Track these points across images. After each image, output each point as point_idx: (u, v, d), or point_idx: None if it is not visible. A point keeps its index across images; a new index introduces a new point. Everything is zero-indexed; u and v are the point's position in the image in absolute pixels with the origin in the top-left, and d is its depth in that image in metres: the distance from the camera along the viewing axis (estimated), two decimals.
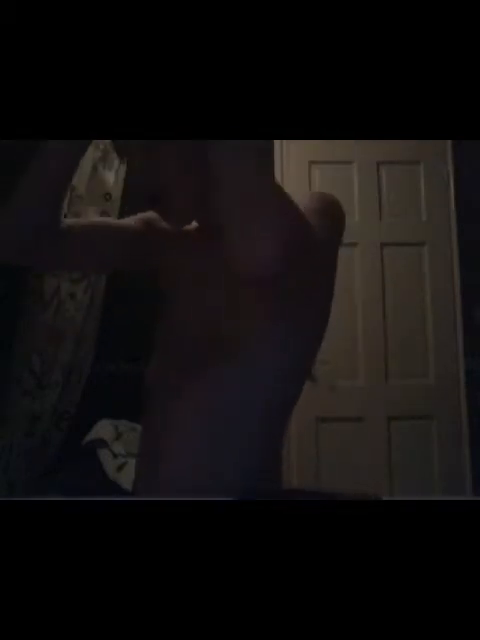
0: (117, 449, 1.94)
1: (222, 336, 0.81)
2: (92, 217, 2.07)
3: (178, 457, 0.81)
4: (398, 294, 2.50)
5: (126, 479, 1.82)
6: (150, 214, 1.00)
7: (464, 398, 2.44)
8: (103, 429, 2.02)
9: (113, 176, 2.16)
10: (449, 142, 2.55)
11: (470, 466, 2.40)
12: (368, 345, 2.46)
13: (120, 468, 1.87)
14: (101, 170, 2.13)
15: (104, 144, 2.13)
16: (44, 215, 0.87)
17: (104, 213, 2.14)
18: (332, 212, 0.87)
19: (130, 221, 1.01)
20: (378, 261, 2.51)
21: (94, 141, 2.10)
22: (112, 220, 1.01)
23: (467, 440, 2.42)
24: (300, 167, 2.55)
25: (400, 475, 2.38)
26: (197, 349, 0.83)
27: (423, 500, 0.48)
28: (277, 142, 2.54)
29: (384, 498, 0.53)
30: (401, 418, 2.43)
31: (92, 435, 2.00)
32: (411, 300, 2.50)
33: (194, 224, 0.96)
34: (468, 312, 2.47)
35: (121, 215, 2.19)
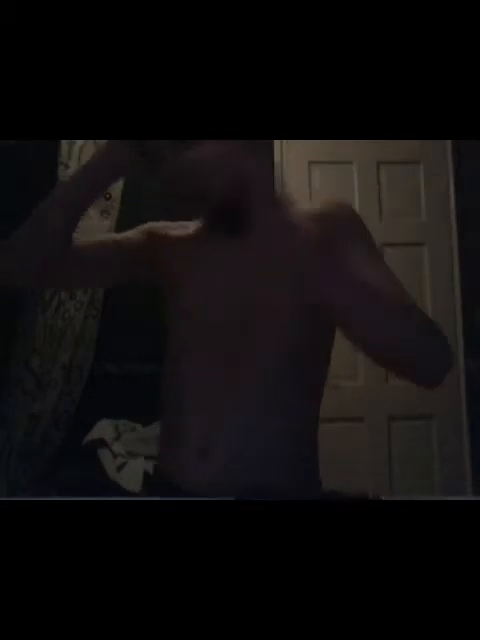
0: (117, 449, 1.94)
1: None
2: (92, 215, 2.07)
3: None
4: None
5: (126, 479, 1.82)
6: (151, 224, 1.02)
7: (464, 398, 2.44)
8: (103, 429, 2.02)
9: None
10: (449, 142, 2.55)
11: (470, 466, 2.39)
12: None
13: (120, 468, 1.87)
14: None
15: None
16: (60, 239, 0.88)
17: (104, 212, 2.14)
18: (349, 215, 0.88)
19: (136, 234, 1.02)
20: None
21: (94, 141, 2.10)
22: (119, 236, 1.03)
23: (467, 440, 2.42)
24: (300, 167, 2.55)
25: (400, 475, 2.38)
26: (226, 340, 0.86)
27: (423, 500, 0.48)
28: (277, 142, 2.54)
29: (384, 498, 0.53)
30: (401, 418, 2.43)
31: (92, 435, 2.00)
32: None
33: (193, 224, 0.97)
34: (468, 313, 2.47)
35: (121, 215, 2.19)
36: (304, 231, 0.74)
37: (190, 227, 0.99)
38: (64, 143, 2.12)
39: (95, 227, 2.10)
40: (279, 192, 0.88)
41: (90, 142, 2.11)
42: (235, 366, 0.85)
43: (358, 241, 0.83)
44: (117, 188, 2.17)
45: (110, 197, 2.15)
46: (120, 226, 2.20)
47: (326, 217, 0.84)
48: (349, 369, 2.44)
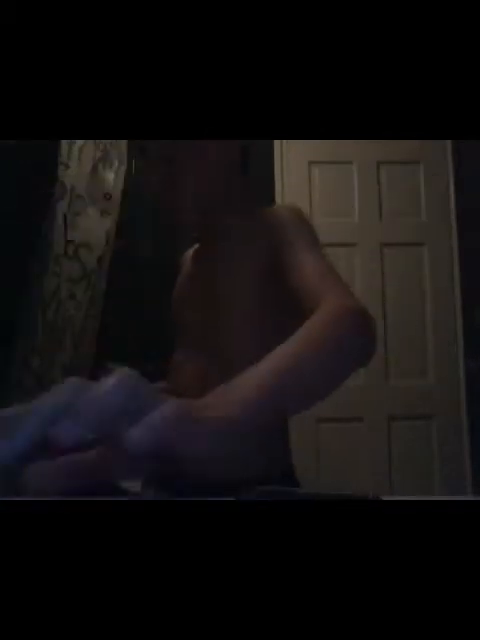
0: None
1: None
2: (92, 215, 2.07)
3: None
4: (398, 294, 2.50)
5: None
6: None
7: (464, 398, 2.44)
8: None
9: (113, 176, 2.16)
10: (449, 142, 2.55)
11: (470, 466, 2.40)
12: None
13: None
14: (101, 170, 2.13)
15: (104, 144, 2.13)
16: None
17: (104, 213, 2.14)
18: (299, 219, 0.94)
19: None
20: (378, 261, 2.51)
21: (94, 141, 2.10)
22: None
23: (467, 440, 2.42)
24: (300, 167, 2.55)
25: (400, 475, 2.38)
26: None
27: (423, 500, 0.48)
28: (277, 142, 2.54)
29: (384, 498, 0.53)
30: (401, 418, 2.43)
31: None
32: (411, 300, 2.50)
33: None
34: (468, 313, 2.47)
35: (121, 215, 2.19)
36: (256, 235, 0.89)
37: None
38: (64, 143, 2.12)
39: (95, 227, 2.10)
40: (246, 200, 1.00)
41: (90, 142, 2.11)
42: (208, 357, 0.94)
43: (295, 242, 0.88)
44: (117, 188, 2.17)
45: (110, 197, 2.15)
46: (120, 226, 2.20)
47: (273, 222, 0.92)
48: None
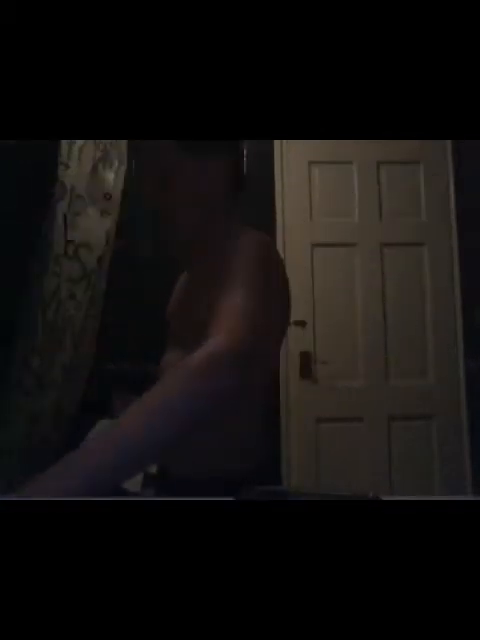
0: None
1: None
2: (92, 215, 2.07)
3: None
4: (398, 294, 2.50)
5: None
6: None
7: (464, 398, 2.44)
8: (103, 429, 2.02)
9: (113, 176, 2.16)
10: (449, 142, 2.55)
11: (470, 466, 2.40)
12: (368, 345, 2.46)
13: None
14: (101, 170, 2.13)
15: (104, 144, 2.13)
16: None
17: (104, 213, 2.14)
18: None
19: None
20: (378, 261, 2.51)
21: (94, 141, 2.10)
22: None
23: (467, 440, 2.42)
24: (300, 167, 2.55)
25: (400, 475, 2.38)
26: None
27: (423, 500, 0.48)
28: (277, 142, 2.54)
29: (384, 498, 0.53)
30: (401, 418, 2.43)
31: (92, 435, 2.00)
32: (411, 300, 2.50)
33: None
34: (468, 313, 2.47)
35: (121, 215, 2.19)
36: (220, 264, 0.89)
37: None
38: (64, 143, 2.12)
39: (95, 227, 2.10)
40: (231, 227, 0.98)
41: (90, 142, 2.11)
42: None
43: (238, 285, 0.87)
44: (117, 188, 2.17)
45: (110, 197, 2.16)
46: (120, 226, 2.20)
47: (235, 254, 0.91)
48: (349, 369, 2.44)
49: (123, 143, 2.20)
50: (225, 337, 0.77)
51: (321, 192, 2.54)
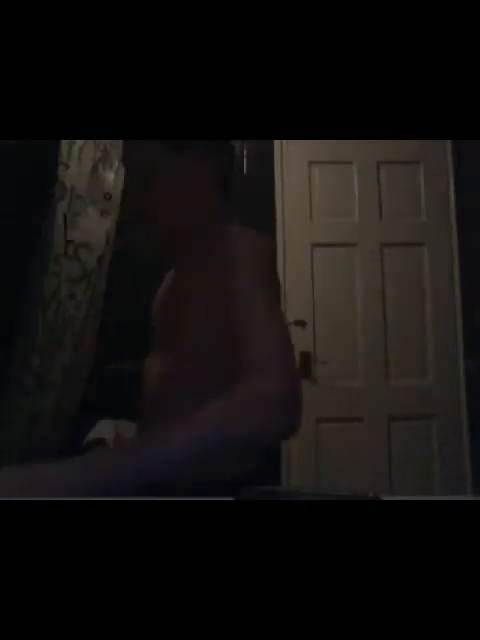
0: None
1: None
2: (92, 215, 2.07)
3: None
4: (398, 294, 2.50)
5: None
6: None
7: (464, 398, 2.44)
8: (103, 429, 2.02)
9: (113, 176, 2.16)
10: (449, 142, 2.55)
11: (470, 466, 2.39)
12: (368, 345, 2.46)
13: None
14: (101, 170, 2.13)
15: (104, 144, 2.13)
16: None
17: (104, 212, 2.14)
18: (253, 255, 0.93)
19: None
20: (378, 261, 2.50)
21: (94, 141, 2.10)
22: None
23: (467, 440, 2.42)
24: (300, 167, 2.55)
25: (400, 475, 2.38)
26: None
27: (423, 500, 0.48)
28: (277, 142, 2.54)
29: (384, 498, 0.53)
30: (401, 418, 2.43)
31: (92, 435, 2.00)
32: (411, 300, 2.50)
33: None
34: (468, 313, 2.47)
35: (121, 215, 2.19)
36: (213, 263, 0.89)
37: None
38: (64, 143, 2.12)
39: (95, 227, 2.10)
40: (219, 227, 0.98)
41: (90, 142, 2.11)
42: (173, 361, 0.98)
43: (250, 288, 0.87)
44: (117, 188, 2.17)
45: (110, 197, 2.15)
46: (120, 226, 2.20)
47: (230, 254, 0.91)
48: (349, 369, 2.44)
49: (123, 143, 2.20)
50: (274, 379, 0.77)
51: (321, 192, 2.54)
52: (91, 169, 2.10)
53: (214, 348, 0.92)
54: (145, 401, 1.10)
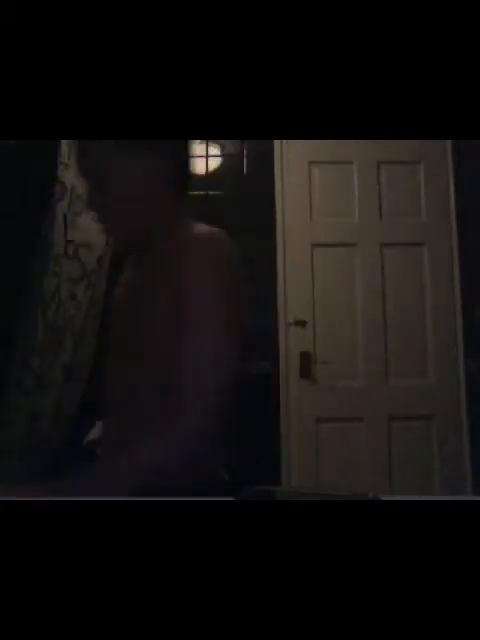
0: None
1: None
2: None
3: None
4: (398, 294, 2.49)
5: None
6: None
7: (464, 398, 2.44)
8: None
9: None
10: (449, 142, 2.55)
11: (470, 466, 2.39)
12: (368, 345, 2.46)
13: None
14: None
15: None
16: None
17: None
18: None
19: None
20: (378, 261, 2.50)
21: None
22: None
23: (467, 440, 2.42)
24: (300, 167, 2.55)
25: (400, 475, 2.38)
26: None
27: (423, 500, 0.48)
28: (277, 142, 2.54)
29: (384, 498, 0.53)
30: (401, 418, 2.43)
31: (92, 435, 2.00)
32: (411, 300, 2.50)
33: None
34: (468, 313, 2.47)
35: None
36: (174, 260, 0.90)
37: None
38: (64, 143, 2.12)
39: (95, 227, 2.09)
40: (171, 227, 0.99)
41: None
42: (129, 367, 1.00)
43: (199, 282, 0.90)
44: None
45: None
46: None
47: (191, 251, 0.92)
48: (349, 369, 2.44)
49: None
50: (195, 418, 0.84)
51: (321, 192, 2.54)
52: None
53: (165, 349, 0.92)
54: (107, 400, 1.15)
